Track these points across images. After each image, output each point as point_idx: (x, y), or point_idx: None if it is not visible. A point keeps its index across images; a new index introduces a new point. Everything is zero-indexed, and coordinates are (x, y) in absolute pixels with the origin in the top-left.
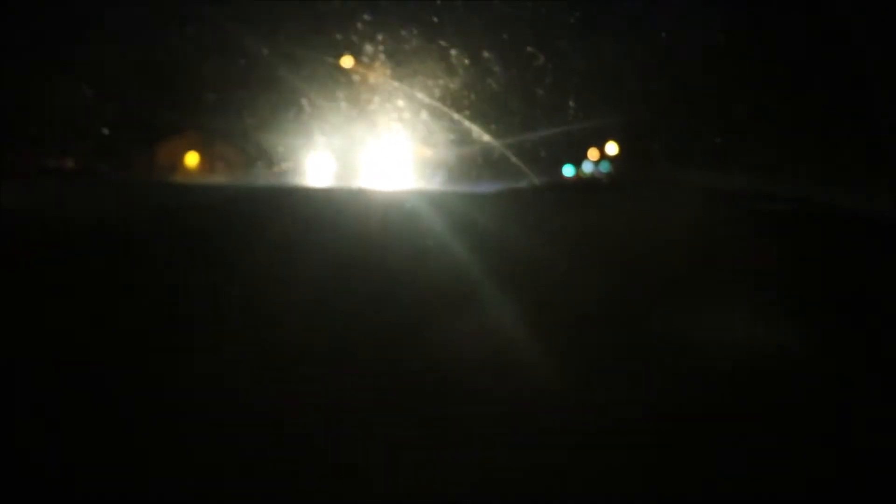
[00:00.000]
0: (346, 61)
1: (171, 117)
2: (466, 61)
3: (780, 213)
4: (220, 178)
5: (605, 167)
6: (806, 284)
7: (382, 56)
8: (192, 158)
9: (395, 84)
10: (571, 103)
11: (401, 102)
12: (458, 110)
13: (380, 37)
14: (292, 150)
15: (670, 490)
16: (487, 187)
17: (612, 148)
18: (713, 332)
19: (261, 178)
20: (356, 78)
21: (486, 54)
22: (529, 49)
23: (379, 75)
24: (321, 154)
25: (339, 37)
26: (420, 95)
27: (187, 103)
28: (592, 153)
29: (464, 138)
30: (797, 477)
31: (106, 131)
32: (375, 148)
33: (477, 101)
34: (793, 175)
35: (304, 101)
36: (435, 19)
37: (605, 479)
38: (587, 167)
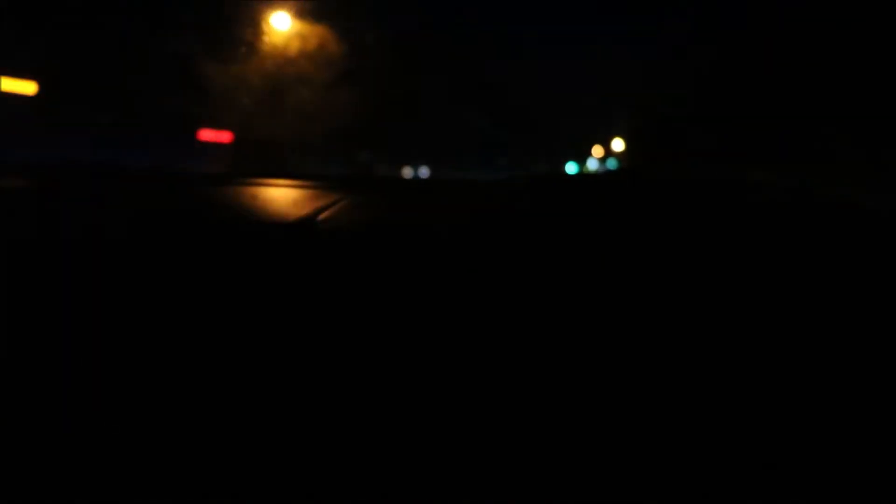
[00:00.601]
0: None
1: None
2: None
3: (780, 203)
4: None
5: (611, 164)
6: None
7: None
8: None
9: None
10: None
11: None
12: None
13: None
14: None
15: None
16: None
17: (618, 144)
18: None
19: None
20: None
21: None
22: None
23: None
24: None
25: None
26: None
27: None
28: (597, 150)
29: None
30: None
31: None
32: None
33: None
34: (791, 168)
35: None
36: None
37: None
38: (592, 164)
